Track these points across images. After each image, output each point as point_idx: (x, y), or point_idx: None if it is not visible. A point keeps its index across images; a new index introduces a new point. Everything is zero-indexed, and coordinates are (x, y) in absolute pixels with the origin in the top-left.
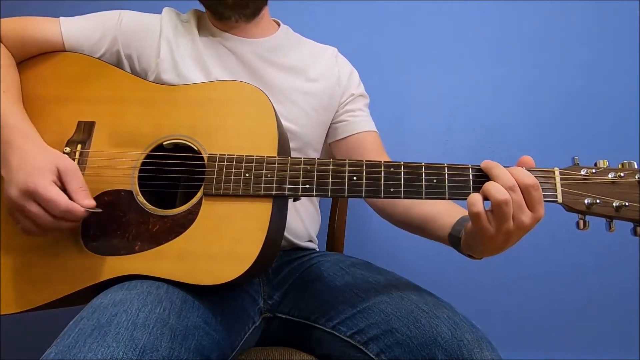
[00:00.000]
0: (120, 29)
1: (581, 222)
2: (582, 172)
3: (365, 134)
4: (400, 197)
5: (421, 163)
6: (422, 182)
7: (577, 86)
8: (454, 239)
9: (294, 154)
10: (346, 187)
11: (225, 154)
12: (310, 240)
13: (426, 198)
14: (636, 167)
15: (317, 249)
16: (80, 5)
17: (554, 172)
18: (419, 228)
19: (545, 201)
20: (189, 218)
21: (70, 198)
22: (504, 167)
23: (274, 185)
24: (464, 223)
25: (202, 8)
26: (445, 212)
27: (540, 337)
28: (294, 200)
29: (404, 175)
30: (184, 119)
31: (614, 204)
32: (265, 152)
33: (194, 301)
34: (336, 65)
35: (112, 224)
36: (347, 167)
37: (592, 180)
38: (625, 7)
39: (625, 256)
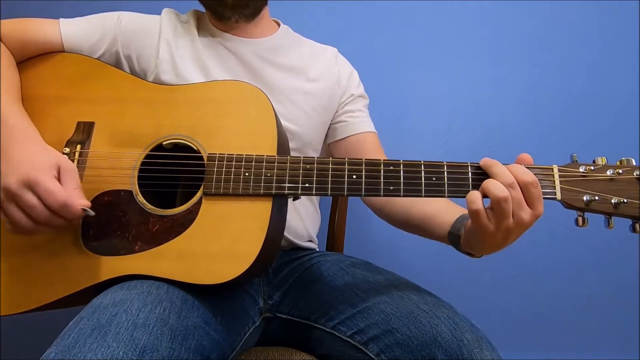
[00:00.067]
0: (120, 29)
1: (580, 219)
2: (581, 170)
3: (365, 135)
4: (399, 195)
5: (420, 161)
6: (421, 180)
7: (577, 86)
8: (453, 237)
9: (293, 154)
10: (346, 186)
11: (224, 154)
12: (310, 240)
13: (425, 196)
14: (634, 164)
15: (317, 249)
16: (80, 5)
17: (552, 169)
18: (418, 227)
19: (544, 198)
20: (189, 218)
21: None
22: (503, 164)
23: (274, 185)
24: (464, 221)
25: (202, 8)
26: (444, 210)
27: (540, 337)
28: (294, 200)
29: (403, 173)
30: (183, 119)
31: (613, 201)
32: (265, 152)
33: (194, 301)
34: (336, 66)
35: (112, 224)
36: (346, 166)
37: (590, 177)
38: (625, 7)
39: (625, 253)
